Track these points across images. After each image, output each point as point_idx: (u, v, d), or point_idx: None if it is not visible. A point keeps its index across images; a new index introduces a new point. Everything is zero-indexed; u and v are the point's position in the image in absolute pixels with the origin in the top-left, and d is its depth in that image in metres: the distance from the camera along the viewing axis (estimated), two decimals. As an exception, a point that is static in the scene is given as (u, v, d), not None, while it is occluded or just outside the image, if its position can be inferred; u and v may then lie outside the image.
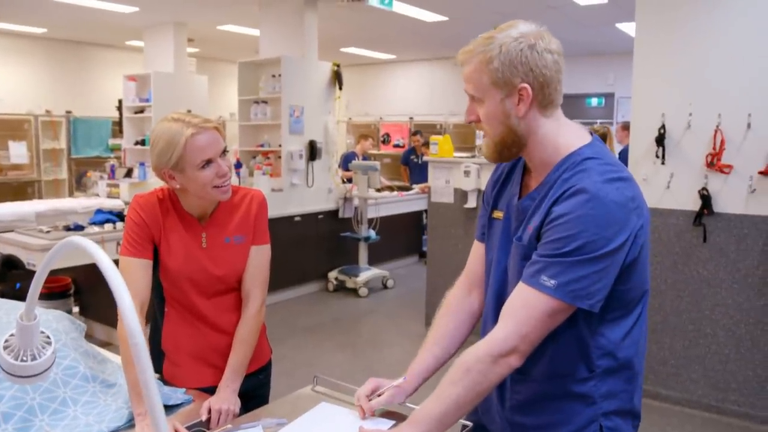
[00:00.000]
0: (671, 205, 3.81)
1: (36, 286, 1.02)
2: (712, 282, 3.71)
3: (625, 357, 1.33)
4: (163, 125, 1.66)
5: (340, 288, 6.66)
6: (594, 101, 12.58)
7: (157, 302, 1.84)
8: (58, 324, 1.83)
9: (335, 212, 6.86)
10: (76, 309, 5.22)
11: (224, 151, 1.70)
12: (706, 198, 3.66)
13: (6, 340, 1.06)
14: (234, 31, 8.54)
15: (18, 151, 8.73)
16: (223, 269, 1.78)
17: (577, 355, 1.32)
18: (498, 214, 1.46)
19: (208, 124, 1.66)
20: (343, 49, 10.08)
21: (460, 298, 1.58)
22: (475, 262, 1.57)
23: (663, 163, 3.79)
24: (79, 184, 9.01)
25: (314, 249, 6.65)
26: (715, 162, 3.62)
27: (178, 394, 1.70)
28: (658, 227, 3.85)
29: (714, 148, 3.62)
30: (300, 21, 6.60)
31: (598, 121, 10.62)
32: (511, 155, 1.37)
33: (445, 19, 7.58)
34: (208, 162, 1.65)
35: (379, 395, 1.52)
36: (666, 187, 3.81)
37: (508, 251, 1.40)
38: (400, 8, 6.96)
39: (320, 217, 6.69)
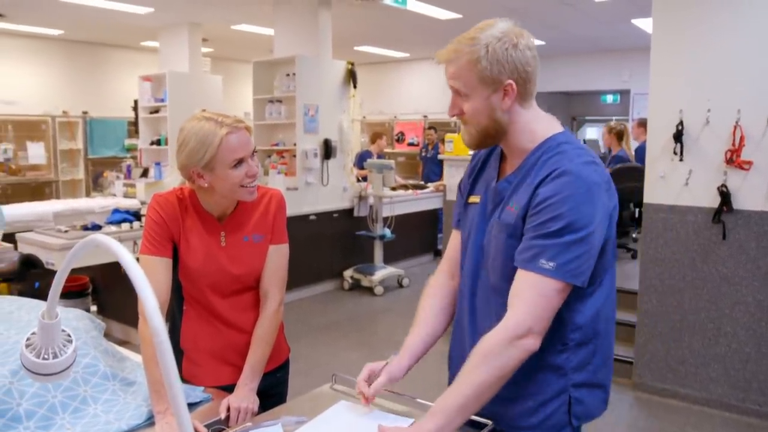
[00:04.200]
0: (689, 202, 3.77)
1: (57, 285, 1.03)
2: (732, 280, 3.67)
3: (594, 331, 1.41)
4: (194, 124, 1.65)
5: (356, 286, 6.66)
6: (609, 98, 12.52)
7: (176, 301, 1.85)
8: (78, 323, 1.84)
9: (350, 211, 6.86)
10: (93, 308, 5.27)
11: (254, 152, 1.71)
12: (725, 195, 3.61)
13: (28, 338, 1.07)
14: (248, 31, 8.56)
15: (36, 152, 8.83)
16: (242, 268, 1.78)
17: (553, 329, 1.36)
18: (474, 198, 1.54)
19: (240, 124, 1.67)
20: (357, 48, 10.08)
21: (443, 282, 1.66)
22: (454, 249, 1.64)
23: (681, 160, 3.75)
24: (95, 184, 9.09)
25: (329, 248, 6.66)
26: (734, 158, 3.58)
27: (197, 393, 1.70)
28: (675, 224, 3.81)
29: (733, 145, 3.58)
30: (314, 20, 6.60)
31: (614, 118, 10.54)
32: (492, 143, 1.47)
33: (459, 16, 7.55)
34: (240, 162, 1.65)
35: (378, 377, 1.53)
36: (684, 184, 3.77)
37: (484, 231, 1.48)
38: (413, 6, 6.95)
39: (335, 215, 6.70)
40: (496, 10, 7.30)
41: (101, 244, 0.83)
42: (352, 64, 6.78)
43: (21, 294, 5.55)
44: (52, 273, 4.69)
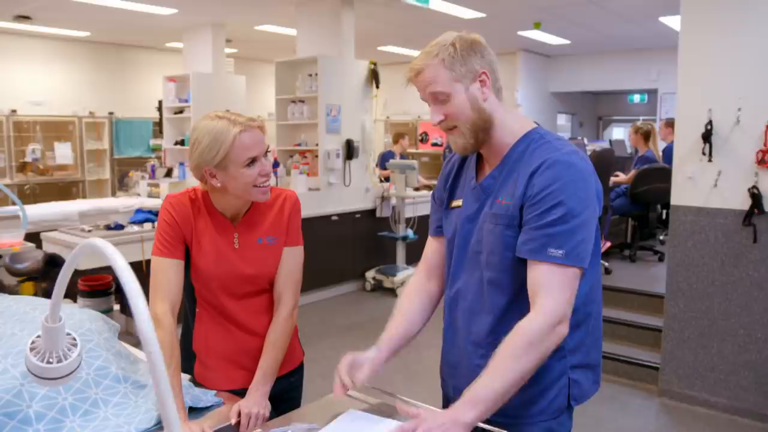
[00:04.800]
0: (718, 205, 3.66)
1: (60, 289, 1.01)
2: (764, 284, 3.55)
3: (587, 312, 1.47)
4: (206, 123, 1.64)
5: (378, 288, 6.62)
6: (636, 97, 12.32)
7: (188, 303, 1.82)
8: (91, 324, 1.82)
9: (373, 211, 6.82)
10: (116, 307, 5.30)
11: (267, 151, 1.69)
12: (756, 197, 3.50)
13: (33, 342, 1.05)
14: (271, 31, 8.57)
15: (63, 152, 8.94)
16: (254, 270, 1.75)
17: None
18: (457, 202, 1.57)
19: (253, 123, 1.65)
20: (380, 48, 10.04)
21: (421, 283, 1.70)
22: (432, 254, 1.70)
23: (710, 161, 3.65)
24: (121, 183, 9.18)
25: (351, 248, 6.63)
26: (766, 159, 3.47)
27: (208, 397, 1.68)
28: (704, 227, 3.70)
29: (765, 145, 3.46)
30: (337, 20, 6.58)
31: (641, 118, 10.37)
32: (484, 139, 1.47)
33: (483, 15, 7.47)
34: (253, 161, 1.63)
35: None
36: (713, 186, 3.66)
37: (472, 231, 1.51)
38: (437, 5, 6.89)
39: (357, 216, 6.67)
40: (521, 8, 7.28)
41: (96, 248, 0.80)
42: (375, 64, 6.75)
43: (46, 293, 5.62)
44: (76, 272, 4.74)
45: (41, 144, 8.79)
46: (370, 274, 6.67)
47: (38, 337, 1.04)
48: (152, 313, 1.66)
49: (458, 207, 1.56)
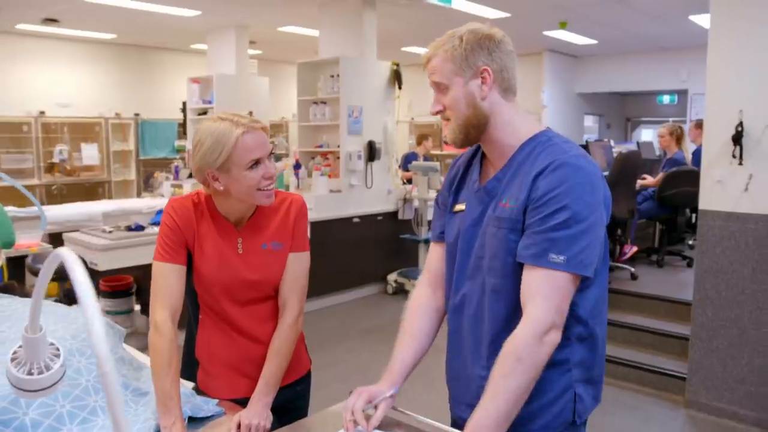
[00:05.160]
0: (749, 209, 3.52)
1: (37, 298, 0.96)
2: (797, 292, 3.41)
3: (593, 326, 1.41)
4: (208, 125, 1.61)
5: (400, 291, 6.55)
6: (666, 98, 12.08)
7: (191, 309, 1.78)
8: (94, 329, 1.79)
9: (395, 213, 6.76)
10: (137, 307, 5.32)
11: (271, 153, 1.64)
12: (789, 201, 3.37)
13: (14, 352, 1.01)
14: (295, 32, 8.57)
15: (90, 153, 9.05)
16: (258, 276, 1.70)
17: None
18: (460, 206, 1.52)
19: (256, 124, 1.61)
20: (404, 49, 9.98)
21: (426, 297, 1.62)
22: (435, 262, 1.62)
23: (740, 164, 3.52)
24: (146, 184, 9.25)
25: (373, 251, 6.57)
26: (800, 162, 3.33)
27: (209, 406, 1.63)
28: (734, 233, 3.57)
29: (799, 147, 3.33)
30: (359, 20, 6.53)
31: (671, 119, 10.15)
32: (476, 137, 1.44)
33: (507, 15, 7.37)
34: (257, 163, 1.59)
35: (375, 406, 1.44)
36: (744, 190, 3.53)
37: (475, 235, 1.45)
38: (460, 5, 6.81)
39: (379, 218, 6.61)
40: (546, 7, 7.16)
41: (63, 259, 0.76)
42: (397, 65, 6.69)
43: (69, 293, 5.66)
44: (97, 273, 4.77)
45: (68, 145, 8.90)
46: (391, 276, 6.61)
47: (20, 347, 1.01)
48: (152, 319, 1.62)
49: (461, 211, 1.51)
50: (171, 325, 1.59)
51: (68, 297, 5.19)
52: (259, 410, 1.59)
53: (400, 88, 6.74)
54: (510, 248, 1.36)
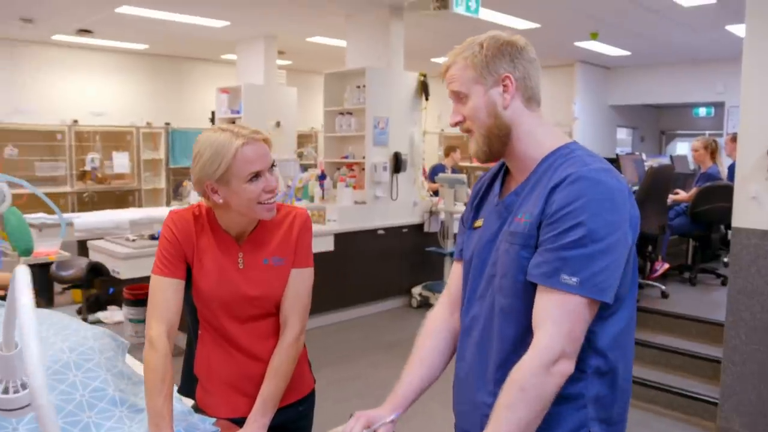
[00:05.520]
0: (787, 227, 3.37)
1: (9, 314, 0.93)
2: (836, 316, 3.24)
3: (613, 360, 1.29)
4: (208, 135, 1.57)
5: (424, 304, 6.45)
6: (702, 111, 11.81)
7: (191, 324, 1.74)
8: (95, 342, 1.75)
9: (420, 226, 6.68)
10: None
11: (272, 165, 1.59)
12: (829, 220, 3.21)
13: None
14: (323, 43, 8.59)
15: (121, 161, 9.19)
16: (259, 291, 1.65)
17: None
18: (479, 222, 1.45)
19: (257, 136, 1.56)
20: (433, 59, 9.93)
21: (443, 319, 1.55)
22: (455, 281, 1.54)
23: (777, 180, 3.37)
24: (176, 193, 9.33)
25: (398, 263, 6.50)
26: (840, 179, 3.17)
27: (205, 425, 1.58)
28: (770, 252, 3.42)
29: (839, 163, 3.17)
30: (386, 31, 6.51)
31: (707, 132, 9.91)
32: (500, 149, 1.36)
33: (537, 26, 7.27)
34: (257, 175, 1.54)
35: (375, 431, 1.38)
36: (780, 207, 3.38)
37: (490, 251, 1.38)
38: (487, 15, 6.73)
39: (404, 230, 6.53)
40: (577, 18, 7.04)
41: (15, 278, 0.73)
42: (425, 76, 6.63)
43: (98, 299, 5.71)
44: (120, 281, 4.80)
45: (100, 153, 9.04)
46: (416, 290, 6.53)
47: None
48: (147, 335, 1.58)
49: (479, 227, 1.43)
50: (166, 341, 1.55)
51: (89, 304, 5.24)
52: (255, 431, 1.53)
53: (427, 99, 6.68)
54: (522, 266, 1.27)
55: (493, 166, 1.50)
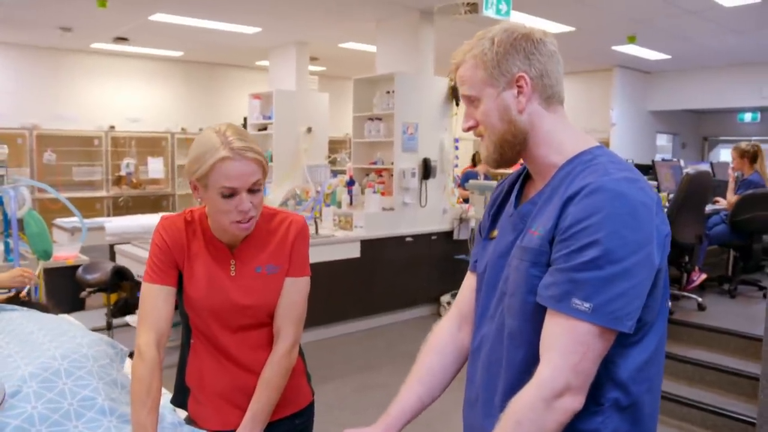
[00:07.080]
0: (830, 238, 3.18)
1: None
2: None
3: (636, 394, 1.14)
4: (207, 133, 1.50)
5: (452, 312, 6.35)
6: (747, 116, 11.42)
7: (183, 332, 1.68)
8: (89, 349, 1.72)
9: (450, 233, 6.57)
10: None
11: (257, 187, 1.49)
12: None
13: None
14: (355, 49, 8.57)
15: (155, 167, 9.33)
16: (251, 300, 1.58)
17: None
18: (495, 233, 1.32)
19: (248, 153, 1.46)
20: (466, 65, 9.84)
21: (449, 334, 1.44)
22: (465, 294, 1.43)
23: (820, 187, 3.18)
24: (209, 198, 9.44)
25: (426, 271, 6.40)
26: None
27: (194, 437, 1.52)
28: (812, 263, 3.22)
29: None
30: (415, 36, 6.44)
31: (752, 138, 9.59)
32: (513, 156, 1.23)
33: (572, 29, 7.11)
34: (233, 193, 1.46)
35: None
36: (823, 216, 3.19)
37: (503, 267, 1.25)
38: (520, 19, 6.61)
39: (433, 238, 6.43)
40: (612, 21, 6.85)
41: None
42: (455, 81, 6.52)
43: (127, 302, 5.76)
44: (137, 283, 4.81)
45: (135, 159, 9.18)
46: (444, 298, 6.42)
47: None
48: (136, 343, 1.53)
49: (494, 238, 1.31)
50: (154, 351, 1.50)
51: (118, 308, 5.27)
52: None
53: (457, 104, 6.58)
54: (532, 285, 1.15)
55: (515, 170, 1.38)
